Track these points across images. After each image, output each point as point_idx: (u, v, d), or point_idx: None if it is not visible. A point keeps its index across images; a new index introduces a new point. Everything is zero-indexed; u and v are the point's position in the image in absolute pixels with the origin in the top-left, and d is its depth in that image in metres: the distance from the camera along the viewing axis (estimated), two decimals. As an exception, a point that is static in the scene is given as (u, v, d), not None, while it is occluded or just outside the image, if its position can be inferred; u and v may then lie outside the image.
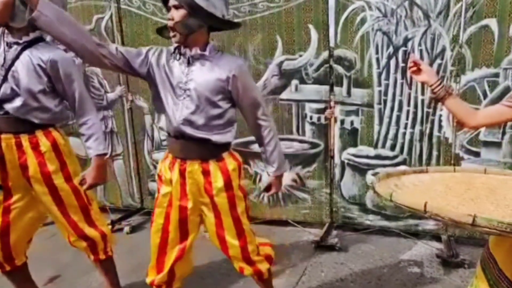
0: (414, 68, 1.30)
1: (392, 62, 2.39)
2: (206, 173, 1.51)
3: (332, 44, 2.46)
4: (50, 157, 1.67)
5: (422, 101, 2.41)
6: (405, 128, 2.47)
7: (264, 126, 1.57)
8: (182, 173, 1.51)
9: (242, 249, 1.59)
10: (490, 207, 0.95)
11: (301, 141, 2.66)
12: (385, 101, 2.46)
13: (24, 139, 1.63)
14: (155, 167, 2.91)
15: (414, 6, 2.28)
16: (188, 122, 1.45)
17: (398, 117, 2.46)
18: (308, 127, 2.63)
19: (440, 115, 2.39)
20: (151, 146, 2.96)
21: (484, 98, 2.28)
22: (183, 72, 1.45)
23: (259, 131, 1.58)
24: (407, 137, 2.48)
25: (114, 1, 2.71)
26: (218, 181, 1.51)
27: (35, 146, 1.64)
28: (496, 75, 2.24)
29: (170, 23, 1.38)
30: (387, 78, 2.42)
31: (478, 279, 1.13)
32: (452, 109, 1.27)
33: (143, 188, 3.06)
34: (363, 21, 2.36)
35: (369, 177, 2.58)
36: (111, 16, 2.75)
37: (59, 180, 1.69)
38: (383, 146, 2.53)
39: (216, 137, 1.49)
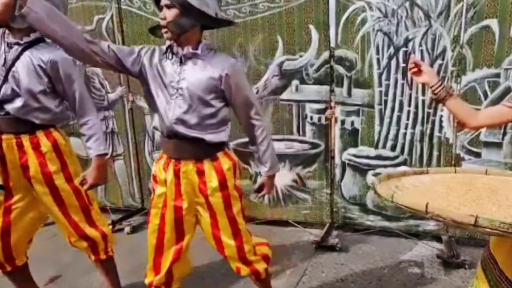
0: (415, 69, 1.30)
1: (393, 62, 2.39)
2: (200, 173, 1.50)
3: (332, 44, 2.47)
4: (51, 157, 1.67)
5: (423, 101, 2.40)
6: (406, 128, 2.47)
7: (257, 126, 1.56)
8: (176, 173, 1.50)
9: (238, 249, 1.58)
10: (492, 207, 0.95)
11: (301, 142, 2.66)
12: (385, 102, 2.46)
13: (25, 140, 1.64)
14: (155, 167, 2.91)
15: (414, 7, 2.27)
16: (180, 121, 1.44)
17: (399, 118, 2.46)
18: (308, 128, 2.63)
19: (441, 116, 2.39)
20: (152, 147, 2.97)
21: (485, 99, 2.28)
22: (175, 71, 1.44)
23: (252, 130, 1.57)
24: (408, 137, 2.48)
25: (115, 2, 2.71)
26: (212, 181, 1.50)
27: (36, 147, 1.65)
28: (497, 75, 2.23)
29: (162, 23, 1.37)
30: (388, 78, 2.42)
31: (478, 280, 1.13)
32: (453, 110, 1.27)
33: (143, 188, 3.06)
34: (363, 21, 2.36)
35: (370, 177, 2.58)
36: (112, 17, 2.75)
37: (60, 181, 1.69)
38: (384, 147, 2.52)
39: (209, 137, 1.47)
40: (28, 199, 1.72)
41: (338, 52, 2.46)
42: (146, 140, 2.96)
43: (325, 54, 2.48)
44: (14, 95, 1.58)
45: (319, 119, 2.60)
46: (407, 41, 2.33)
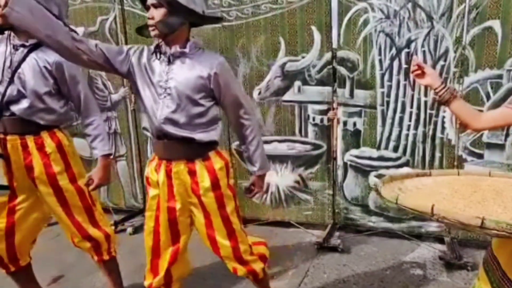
0: (418, 72, 1.28)
1: (395, 63, 2.39)
2: (192, 173, 1.48)
3: (335, 45, 2.47)
4: (55, 158, 1.68)
5: (425, 102, 2.40)
6: (408, 129, 2.46)
7: (247, 125, 1.54)
8: (168, 174, 1.49)
9: (233, 249, 1.56)
10: (497, 209, 0.94)
11: (303, 143, 2.67)
12: (388, 103, 2.46)
13: (30, 140, 1.65)
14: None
15: (417, 8, 2.28)
16: (169, 121, 1.43)
17: (401, 119, 2.46)
18: (310, 129, 2.64)
19: (443, 117, 2.39)
20: (154, 147, 2.97)
21: (487, 100, 2.28)
22: (163, 71, 1.42)
23: (241, 130, 1.56)
24: (410, 138, 2.47)
25: (118, 3, 2.73)
26: (204, 181, 1.48)
27: (41, 147, 1.66)
28: (500, 76, 2.23)
29: (150, 22, 1.35)
30: (390, 79, 2.42)
31: (480, 281, 1.13)
32: (457, 112, 1.26)
33: (146, 189, 3.06)
34: (366, 22, 2.37)
35: (372, 178, 2.58)
36: (115, 18, 2.77)
37: (64, 181, 1.70)
38: (386, 148, 2.52)
39: (200, 136, 1.46)
40: (32, 200, 1.73)
41: (340, 53, 2.46)
42: (148, 141, 2.97)
43: (327, 55, 2.48)
44: (20, 96, 1.59)
45: (321, 120, 2.60)
46: (409, 42, 2.33)
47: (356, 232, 2.70)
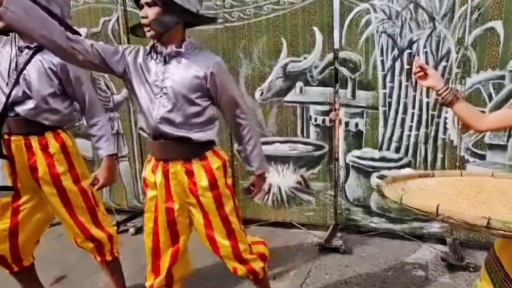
0: (421, 73, 1.28)
1: (397, 64, 2.39)
2: (189, 173, 1.48)
3: (336, 46, 2.47)
4: (59, 158, 1.69)
5: (427, 103, 2.40)
6: (410, 130, 2.46)
7: (243, 125, 1.54)
8: (165, 175, 1.48)
9: (233, 249, 1.55)
10: (503, 209, 0.94)
11: (305, 143, 2.67)
12: (389, 103, 2.46)
13: (34, 141, 1.65)
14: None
15: (419, 9, 2.27)
16: (165, 120, 1.42)
17: (403, 120, 2.46)
18: (312, 129, 2.64)
19: (445, 118, 2.39)
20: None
21: (490, 101, 2.27)
22: (159, 70, 1.42)
23: (238, 130, 1.55)
24: (412, 139, 2.47)
25: (120, 4, 2.74)
26: (202, 181, 1.48)
27: (44, 148, 1.67)
28: (502, 77, 2.23)
29: (144, 21, 1.35)
30: (392, 80, 2.42)
31: (483, 282, 1.13)
32: (460, 114, 1.26)
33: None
34: (367, 23, 2.37)
35: (374, 179, 2.58)
36: (117, 19, 2.78)
37: (67, 182, 1.71)
38: (388, 149, 2.52)
39: (196, 135, 1.45)
40: (36, 200, 1.74)
41: (342, 54, 2.46)
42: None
43: (329, 56, 2.48)
44: (25, 97, 1.60)
45: (323, 121, 2.60)
46: (411, 43, 2.33)
47: (358, 233, 2.70)
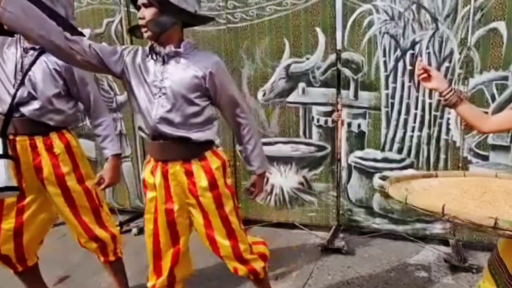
0: (424, 75, 1.27)
1: (400, 65, 2.39)
2: (189, 174, 1.48)
3: (339, 47, 2.47)
4: (64, 159, 1.70)
5: (430, 104, 2.40)
6: (413, 131, 2.46)
7: (244, 124, 1.53)
8: (164, 176, 1.48)
9: (233, 249, 1.55)
10: (509, 210, 0.94)
11: (308, 144, 2.67)
12: (392, 104, 2.46)
13: (39, 141, 1.67)
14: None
15: (421, 9, 2.27)
16: (164, 120, 1.42)
17: (406, 120, 2.46)
18: (315, 130, 2.64)
19: (448, 118, 2.38)
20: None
21: (493, 101, 2.27)
22: (158, 71, 1.42)
23: (238, 129, 1.54)
24: (415, 140, 2.47)
25: (123, 5, 2.75)
26: (202, 181, 1.47)
27: (49, 148, 1.68)
28: (505, 78, 2.22)
29: (141, 22, 1.35)
30: (395, 81, 2.42)
31: (486, 283, 1.12)
32: (464, 115, 1.25)
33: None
34: (370, 24, 2.37)
35: (376, 180, 2.57)
36: (120, 20, 2.79)
37: (71, 182, 1.72)
38: (390, 149, 2.52)
39: (196, 135, 1.45)
40: (41, 201, 1.75)
41: (345, 55, 2.46)
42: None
43: (332, 57, 2.48)
44: (30, 98, 1.62)
45: (326, 121, 2.60)
46: (414, 43, 2.33)
47: (360, 234, 2.69)
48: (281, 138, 2.70)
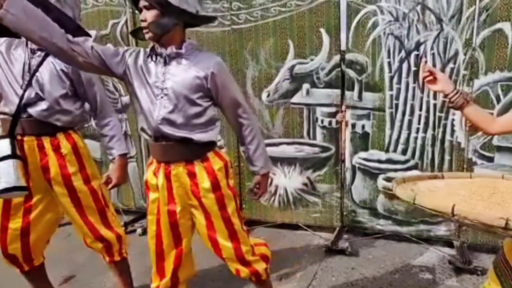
0: (430, 78, 1.27)
1: (404, 66, 2.38)
2: (191, 175, 1.48)
3: (343, 48, 2.47)
4: (71, 159, 1.71)
5: (434, 105, 2.39)
6: (417, 132, 2.45)
7: (246, 125, 1.53)
8: (167, 177, 1.49)
9: (235, 250, 1.55)
10: None
11: (312, 145, 2.67)
12: (396, 105, 2.45)
13: (46, 142, 1.68)
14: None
15: (426, 10, 2.27)
16: (166, 121, 1.43)
17: (410, 121, 2.45)
18: (319, 131, 2.64)
19: (453, 120, 2.37)
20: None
21: (498, 103, 2.26)
22: (160, 72, 1.42)
23: (240, 130, 1.54)
24: (419, 141, 2.46)
25: (129, 6, 2.76)
26: (204, 182, 1.48)
27: (57, 148, 1.69)
28: (510, 79, 2.21)
29: (143, 24, 1.36)
30: (399, 82, 2.42)
31: (491, 285, 1.12)
32: (471, 117, 1.24)
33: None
34: (374, 25, 2.37)
35: (380, 181, 2.57)
36: (126, 21, 2.81)
37: (78, 182, 1.73)
38: (395, 151, 2.51)
39: (198, 136, 1.45)
40: (47, 200, 1.77)
41: (349, 56, 2.46)
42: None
43: (336, 58, 2.48)
44: (38, 98, 1.63)
45: (330, 122, 2.60)
46: (418, 44, 2.33)
47: (364, 235, 2.69)
48: (285, 139, 2.70)
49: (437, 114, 2.39)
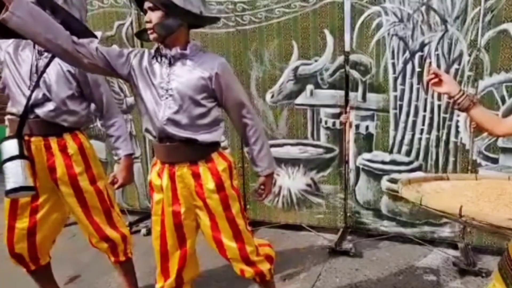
0: (436, 80, 1.26)
1: (408, 67, 2.38)
2: (196, 176, 1.48)
3: (347, 49, 2.47)
4: (77, 159, 1.73)
5: (439, 106, 2.38)
6: (421, 133, 2.45)
7: (250, 125, 1.53)
8: (171, 178, 1.49)
9: (240, 251, 1.55)
10: None
11: (316, 146, 2.67)
12: (400, 106, 2.45)
13: (53, 142, 1.70)
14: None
15: (430, 11, 2.27)
16: (171, 122, 1.43)
17: (414, 122, 2.45)
18: (323, 132, 2.64)
19: (457, 121, 2.37)
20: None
21: (503, 104, 2.25)
22: (164, 73, 1.43)
23: (245, 130, 1.55)
24: (423, 142, 2.46)
25: (134, 8, 2.78)
26: (209, 183, 1.48)
27: (63, 149, 1.71)
28: (515, 80, 2.20)
29: (148, 26, 1.37)
30: (403, 83, 2.41)
31: (496, 287, 1.12)
32: (477, 119, 1.24)
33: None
34: (379, 26, 2.37)
35: (384, 182, 2.57)
36: (131, 23, 2.82)
37: (84, 182, 1.75)
38: (399, 152, 2.51)
39: (202, 137, 1.46)
40: (54, 200, 1.78)
41: (353, 57, 2.46)
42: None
43: (340, 59, 2.48)
44: (45, 99, 1.65)
45: (334, 123, 2.60)
46: (422, 45, 2.32)
47: (368, 236, 2.69)
48: (289, 140, 2.71)
49: (442, 115, 2.39)
